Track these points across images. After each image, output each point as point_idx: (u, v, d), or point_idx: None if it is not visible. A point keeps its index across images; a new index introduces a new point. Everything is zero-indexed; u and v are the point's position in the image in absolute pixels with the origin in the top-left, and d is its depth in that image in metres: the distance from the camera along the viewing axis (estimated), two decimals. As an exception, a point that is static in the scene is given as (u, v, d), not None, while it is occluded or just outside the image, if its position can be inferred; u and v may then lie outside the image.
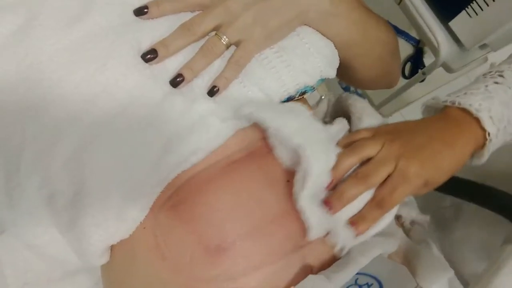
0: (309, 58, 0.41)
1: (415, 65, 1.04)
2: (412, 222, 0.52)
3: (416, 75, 0.80)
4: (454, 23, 0.67)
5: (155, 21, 0.38)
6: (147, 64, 0.36)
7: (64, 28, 0.35)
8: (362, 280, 0.35)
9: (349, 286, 0.34)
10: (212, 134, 0.37)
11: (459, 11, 0.65)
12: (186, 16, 0.38)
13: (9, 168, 0.35)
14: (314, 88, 0.47)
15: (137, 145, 0.35)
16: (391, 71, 0.55)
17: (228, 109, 0.38)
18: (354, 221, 0.37)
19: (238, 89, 0.38)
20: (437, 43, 0.69)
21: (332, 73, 0.44)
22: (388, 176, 0.37)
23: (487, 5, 0.61)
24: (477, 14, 0.63)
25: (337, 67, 0.45)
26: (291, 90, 0.41)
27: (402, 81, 0.95)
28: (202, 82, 0.37)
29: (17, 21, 0.35)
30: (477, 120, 0.39)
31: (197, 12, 0.39)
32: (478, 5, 0.62)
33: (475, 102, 0.40)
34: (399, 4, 0.74)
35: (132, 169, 0.35)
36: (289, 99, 0.44)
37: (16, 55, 0.35)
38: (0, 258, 0.41)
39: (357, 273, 0.35)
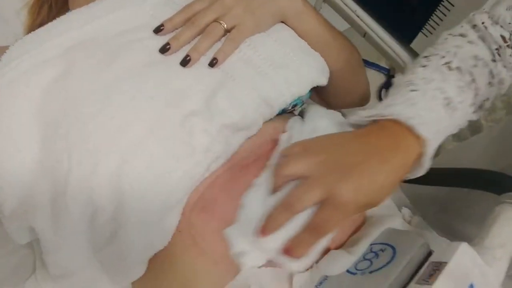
0: (300, 69, 0.48)
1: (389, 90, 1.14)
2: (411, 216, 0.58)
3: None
4: (414, 44, 0.77)
5: (167, 60, 0.44)
6: (167, 95, 0.42)
7: (97, 72, 0.42)
8: (376, 247, 0.39)
9: (366, 254, 0.39)
10: (227, 144, 0.43)
11: (416, 33, 0.75)
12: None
13: (57, 191, 0.40)
14: (303, 101, 0.54)
15: (168, 158, 0.40)
16: (360, 81, 0.62)
17: (241, 121, 0.44)
18: (288, 248, 0.36)
19: (242, 95, 0.44)
20: (404, 63, 0.79)
21: (324, 80, 0.51)
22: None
23: (438, 24, 0.71)
24: (431, 33, 0.73)
25: (328, 75, 0.52)
26: (288, 100, 0.48)
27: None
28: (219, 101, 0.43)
29: (57, 69, 0.42)
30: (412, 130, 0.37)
31: None
32: (431, 25, 0.72)
33: (402, 112, 0.38)
34: (364, 36, 0.84)
35: (168, 179, 0.40)
36: (284, 111, 0.51)
37: (58, 95, 0.41)
38: None
39: (371, 244, 0.40)
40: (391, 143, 0.37)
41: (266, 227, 0.36)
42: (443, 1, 0.68)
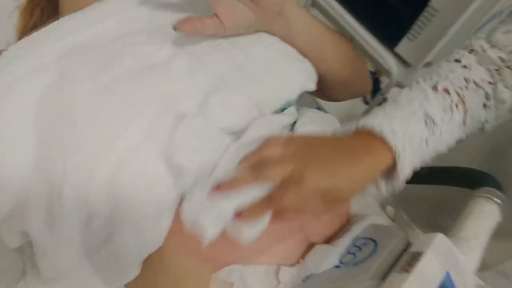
0: (290, 75, 0.50)
1: (374, 92, 1.16)
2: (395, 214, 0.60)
3: (376, 97, 0.92)
4: (399, 48, 0.79)
5: (162, 64, 0.45)
6: (162, 99, 0.43)
7: (92, 77, 0.43)
8: (359, 242, 0.41)
9: (350, 248, 0.41)
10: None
11: (401, 38, 0.78)
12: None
13: (52, 195, 0.40)
14: (291, 105, 0.56)
15: (162, 162, 0.41)
16: (358, 71, 0.61)
17: (233, 125, 0.45)
18: (241, 212, 0.38)
19: (235, 100, 0.45)
20: (389, 67, 0.81)
21: (312, 85, 0.52)
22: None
23: (422, 29, 0.74)
24: (416, 38, 0.76)
25: (316, 80, 0.53)
26: (278, 105, 0.49)
27: (364, 107, 1.05)
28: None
29: (53, 75, 0.43)
30: (383, 139, 0.39)
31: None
32: (415, 30, 0.75)
33: (378, 123, 0.40)
34: (351, 40, 0.87)
35: (163, 182, 0.41)
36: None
37: (54, 100, 0.41)
38: None
39: (354, 239, 0.42)
40: (363, 146, 0.40)
41: (225, 184, 0.38)
42: (428, 6, 0.70)
